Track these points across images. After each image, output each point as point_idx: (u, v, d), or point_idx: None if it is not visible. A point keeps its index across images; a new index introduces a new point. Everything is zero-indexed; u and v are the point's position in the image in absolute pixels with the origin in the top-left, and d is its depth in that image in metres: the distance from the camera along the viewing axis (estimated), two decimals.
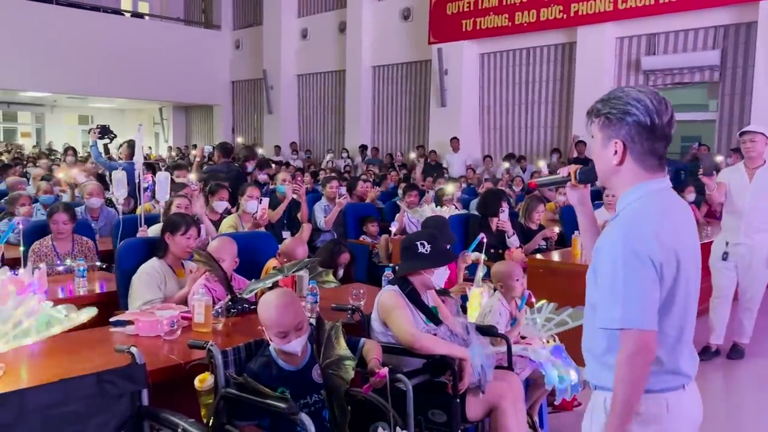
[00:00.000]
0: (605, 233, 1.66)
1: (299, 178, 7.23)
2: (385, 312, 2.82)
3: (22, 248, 3.65)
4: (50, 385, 1.97)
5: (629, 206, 1.64)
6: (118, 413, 2.07)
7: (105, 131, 7.35)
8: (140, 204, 4.64)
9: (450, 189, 6.63)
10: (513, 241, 5.17)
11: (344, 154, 13.40)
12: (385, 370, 2.40)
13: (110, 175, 5.56)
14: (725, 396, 4.21)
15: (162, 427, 2.07)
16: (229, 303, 3.06)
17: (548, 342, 3.22)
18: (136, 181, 4.53)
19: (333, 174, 9.35)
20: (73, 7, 14.77)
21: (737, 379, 4.53)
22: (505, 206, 5.20)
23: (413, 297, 2.88)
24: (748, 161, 4.55)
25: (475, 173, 10.66)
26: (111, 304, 3.37)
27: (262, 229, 4.81)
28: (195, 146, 14.35)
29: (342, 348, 2.50)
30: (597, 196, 6.32)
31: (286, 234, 5.53)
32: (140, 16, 17.67)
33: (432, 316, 2.93)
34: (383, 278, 3.60)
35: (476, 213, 5.62)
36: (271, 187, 7.06)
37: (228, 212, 5.36)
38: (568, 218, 6.14)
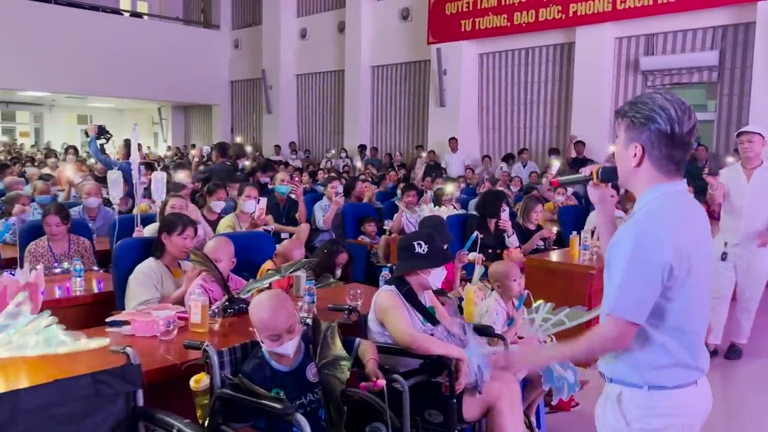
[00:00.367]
0: (620, 231, 1.73)
1: (296, 179, 7.23)
2: (382, 312, 2.82)
3: (18, 248, 3.64)
4: (45, 386, 1.96)
5: (646, 206, 1.71)
6: (113, 414, 2.06)
7: (101, 131, 7.37)
8: (137, 204, 4.63)
9: (449, 189, 6.63)
10: (512, 240, 5.17)
11: (343, 154, 13.40)
12: (382, 382, 2.41)
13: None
14: (723, 396, 4.20)
15: (157, 427, 2.06)
16: (226, 303, 3.05)
17: (545, 342, 3.22)
18: (133, 180, 4.52)
19: (333, 174, 9.36)
20: (71, 7, 14.77)
21: (735, 379, 4.53)
22: (505, 206, 5.20)
23: (410, 297, 2.88)
24: (746, 161, 4.56)
25: (474, 173, 10.66)
26: (108, 304, 3.37)
27: (260, 229, 4.80)
28: (194, 146, 14.36)
29: (338, 348, 2.50)
30: None
31: (284, 234, 5.53)
32: (139, 15, 17.66)
33: (429, 316, 2.92)
34: (380, 278, 3.60)
35: (475, 213, 5.62)
36: (270, 186, 7.06)
37: (225, 211, 5.36)
38: (566, 218, 6.15)
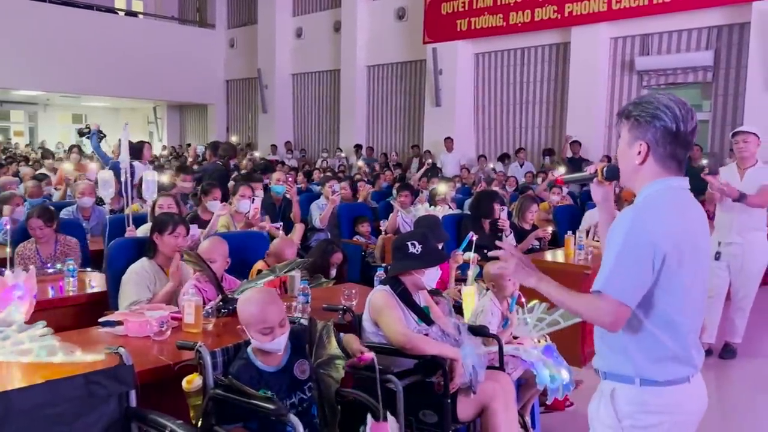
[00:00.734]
0: (619, 216, 1.75)
1: (290, 178, 7.23)
2: (376, 312, 2.81)
3: (8, 249, 3.62)
4: (37, 386, 1.95)
5: (647, 197, 1.74)
6: (106, 414, 2.05)
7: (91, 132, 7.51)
8: (127, 203, 4.61)
9: (443, 188, 6.64)
10: (510, 240, 5.18)
11: (341, 153, 13.39)
12: (370, 355, 2.43)
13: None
14: (718, 395, 4.21)
15: (150, 428, 2.05)
16: (220, 303, 3.04)
17: (540, 342, 3.22)
18: (122, 179, 4.50)
19: (329, 173, 9.36)
20: (66, 6, 14.71)
21: (730, 378, 4.54)
22: (503, 206, 5.21)
23: (405, 297, 2.87)
24: (740, 161, 4.58)
25: (469, 173, 10.66)
26: (101, 304, 3.35)
27: (255, 229, 4.79)
28: (189, 145, 14.34)
29: (333, 347, 2.49)
30: (589, 197, 6.32)
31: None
32: (134, 14, 17.60)
33: (424, 316, 2.92)
34: (375, 278, 3.59)
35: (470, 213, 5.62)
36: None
37: None
38: (561, 218, 6.15)
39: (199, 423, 2.19)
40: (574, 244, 4.79)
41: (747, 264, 4.59)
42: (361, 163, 12.07)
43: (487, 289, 3.37)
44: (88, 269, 4.05)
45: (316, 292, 3.42)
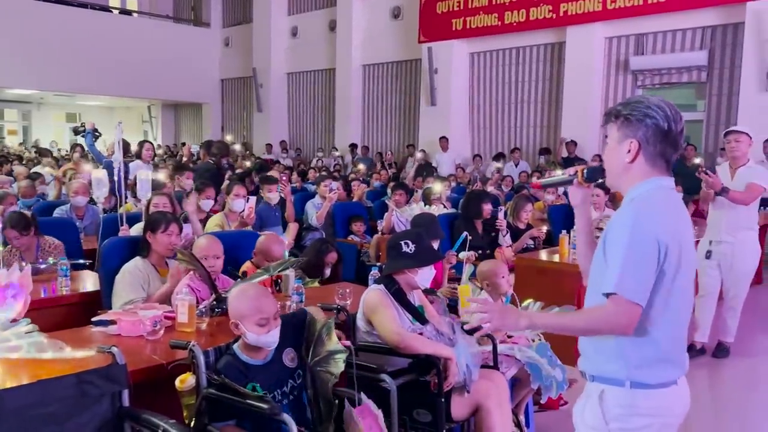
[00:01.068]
0: (617, 216, 1.74)
1: (284, 178, 7.22)
2: (370, 311, 2.81)
3: (1, 248, 3.60)
4: (28, 386, 1.94)
5: (641, 195, 1.72)
6: (98, 414, 2.04)
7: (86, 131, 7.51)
8: (121, 203, 4.59)
9: (437, 188, 6.64)
10: (506, 239, 5.19)
11: (334, 153, 13.37)
12: (347, 343, 2.48)
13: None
14: (710, 394, 4.22)
15: (143, 428, 2.04)
16: (214, 303, 3.04)
17: (534, 341, 3.22)
18: (114, 178, 4.48)
19: (324, 173, 9.35)
20: (60, 4, 14.64)
21: (722, 377, 4.55)
22: (499, 206, 5.23)
23: (399, 296, 2.87)
24: (732, 161, 4.60)
25: (464, 172, 10.67)
26: (94, 303, 3.34)
27: (249, 228, 4.78)
28: (184, 144, 14.30)
29: (333, 343, 2.48)
30: None
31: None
32: (128, 13, 17.55)
33: (418, 315, 2.92)
34: (370, 277, 3.59)
35: None
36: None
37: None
38: (556, 218, 6.16)
39: (192, 422, 2.19)
40: (569, 243, 4.79)
41: (737, 263, 4.60)
42: (361, 166, 12.04)
43: (482, 288, 3.38)
44: (80, 260, 3.97)
45: (311, 291, 3.41)
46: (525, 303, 3.51)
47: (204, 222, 5.00)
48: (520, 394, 3.25)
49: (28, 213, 4.23)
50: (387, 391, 2.53)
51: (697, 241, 4.88)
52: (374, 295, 2.84)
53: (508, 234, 5.23)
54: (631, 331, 1.63)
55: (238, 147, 12.74)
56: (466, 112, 11.96)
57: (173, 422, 1.99)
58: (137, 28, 16.03)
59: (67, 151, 14.25)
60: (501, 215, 5.21)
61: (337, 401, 2.43)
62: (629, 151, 1.73)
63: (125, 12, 17.49)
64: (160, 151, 15.76)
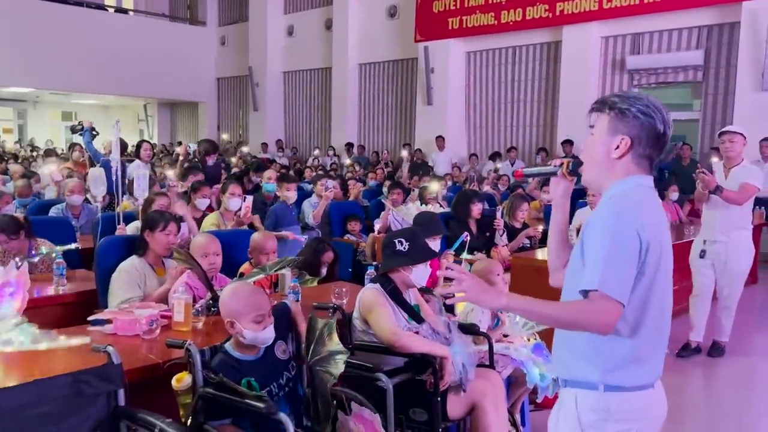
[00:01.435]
0: (597, 211, 1.68)
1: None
2: (366, 310, 2.81)
3: None
4: (24, 386, 1.94)
5: (623, 192, 1.67)
6: (94, 414, 2.04)
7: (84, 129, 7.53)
8: (118, 201, 4.58)
9: (433, 187, 6.64)
10: (503, 238, 5.20)
11: (330, 152, 13.37)
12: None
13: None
14: (705, 393, 4.24)
15: (139, 427, 2.04)
16: (210, 301, 3.03)
17: (529, 340, 3.23)
18: (112, 178, 4.46)
19: (321, 172, 9.35)
20: (55, 2, 14.58)
21: (718, 376, 4.57)
22: (489, 205, 5.23)
23: (395, 295, 2.87)
24: (726, 161, 4.62)
25: (461, 171, 10.68)
26: (90, 302, 3.33)
27: (245, 227, 4.78)
28: (180, 143, 14.27)
29: (334, 344, 2.47)
30: (579, 195, 6.34)
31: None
32: (124, 11, 17.49)
33: (414, 314, 2.92)
34: (366, 276, 3.59)
35: None
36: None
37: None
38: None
39: (189, 421, 2.19)
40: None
41: (731, 263, 4.62)
42: (358, 168, 12.04)
43: None
44: (73, 245, 3.89)
45: (307, 290, 3.41)
46: None
47: (199, 221, 4.99)
48: (516, 393, 3.26)
49: (20, 216, 4.15)
50: (383, 390, 2.53)
51: (692, 241, 4.91)
52: (370, 294, 2.84)
53: (505, 233, 5.24)
54: (611, 330, 1.55)
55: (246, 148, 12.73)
56: (463, 111, 11.96)
57: (169, 421, 1.99)
58: (133, 26, 16.00)
59: (62, 149, 14.19)
60: (498, 215, 5.21)
61: (335, 402, 2.44)
62: (618, 147, 1.68)
63: (121, 10, 17.43)
64: (155, 150, 15.78)
